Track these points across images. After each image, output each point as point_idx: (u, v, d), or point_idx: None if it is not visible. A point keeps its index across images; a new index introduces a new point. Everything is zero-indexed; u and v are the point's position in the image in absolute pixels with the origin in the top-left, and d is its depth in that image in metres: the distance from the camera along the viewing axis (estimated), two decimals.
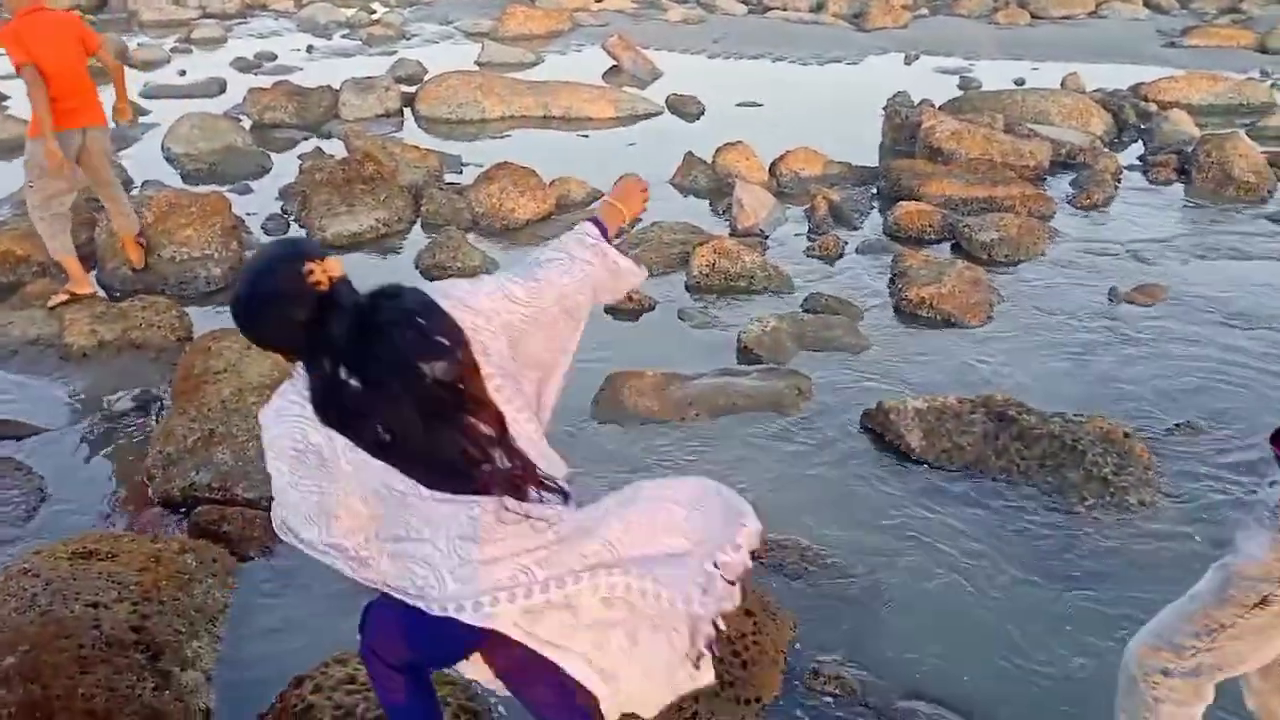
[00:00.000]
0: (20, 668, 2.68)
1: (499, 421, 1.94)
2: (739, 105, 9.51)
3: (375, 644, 2.12)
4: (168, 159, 7.65)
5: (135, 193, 6.75)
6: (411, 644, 2.06)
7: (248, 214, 6.50)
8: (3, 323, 4.92)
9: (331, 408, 1.86)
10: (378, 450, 1.87)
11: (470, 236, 6.23)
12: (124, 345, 4.78)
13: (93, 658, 2.73)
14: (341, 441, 1.86)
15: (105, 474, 3.92)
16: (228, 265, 5.62)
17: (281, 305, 1.85)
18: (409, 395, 1.85)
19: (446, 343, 1.89)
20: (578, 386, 4.57)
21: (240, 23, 13.24)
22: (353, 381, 1.84)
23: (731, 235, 6.28)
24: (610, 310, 5.37)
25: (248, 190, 7.10)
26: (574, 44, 12.30)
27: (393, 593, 1.96)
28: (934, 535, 3.55)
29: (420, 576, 1.90)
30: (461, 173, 7.55)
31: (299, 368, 1.92)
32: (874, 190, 7.23)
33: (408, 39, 12.44)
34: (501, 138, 8.64)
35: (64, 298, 5.16)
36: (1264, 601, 2.01)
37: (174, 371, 4.42)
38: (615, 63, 10.97)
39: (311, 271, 1.84)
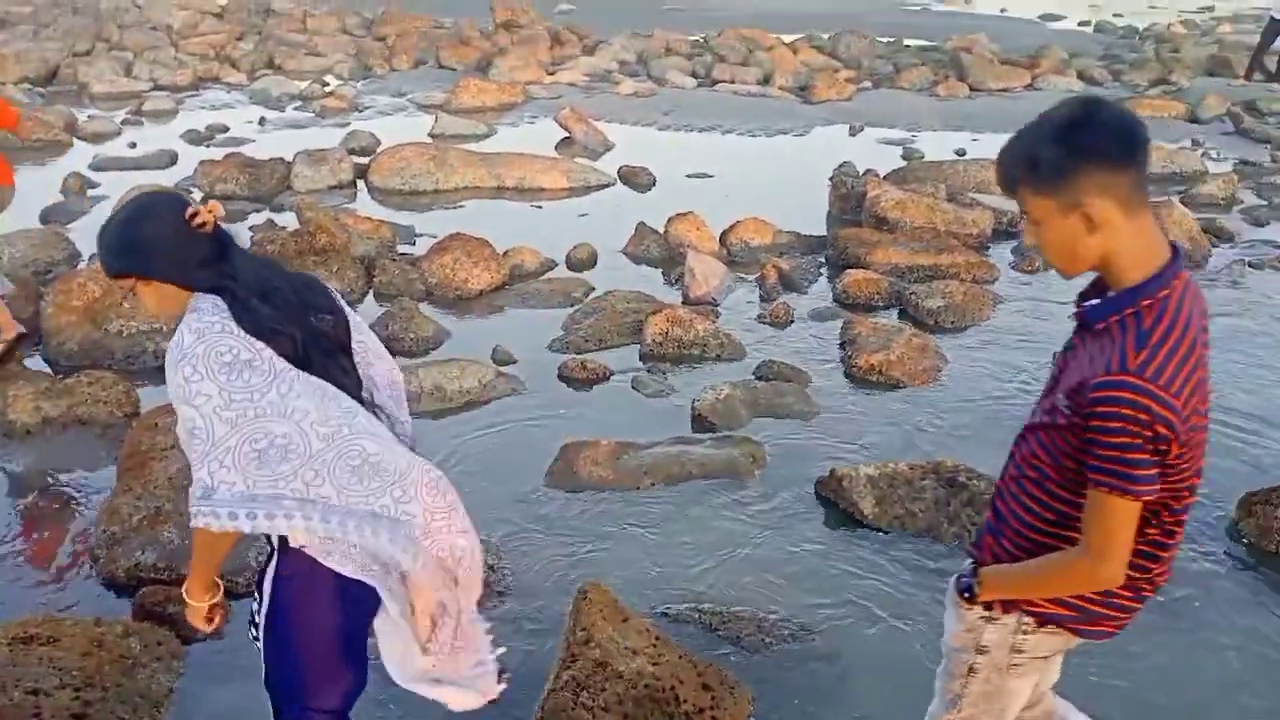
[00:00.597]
0: None
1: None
2: (689, 176, 9.67)
3: (313, 689, 2.22)
4: None
5: (82, 265, 6.69)
6: (347, 636, 2.22)
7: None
8: None
9: (251, 319, 2.01)
10: (296, 363, 2.04)
11: (423, 307, 6.23)
12: (69, 421, 4.70)
13: None
14: (268, 355, 2.00)
15: (46, 554, 3.82)
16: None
17: (178, 244, 2.02)
18: (306, 330, 2.10)
19: (330, 313, 2.21)
20: (531, 455, 4.60)
21: (192, 95, 13.24)
22: (264, 308, 2.05)
23: (684, 304, 6.35)
24: (565, 379, 5.39)
25: None
26: (527, 116, 12.46)
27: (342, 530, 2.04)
28: (890, 604, 3.57)
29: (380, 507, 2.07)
30: (415, 243, 7.58)
31: (196, 303, 2.03)
32: (822, 258, 7.37)
33: (361, 111, 12.53)
34: (455, 208, 8.70)
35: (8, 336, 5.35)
36: (971, 670, 2.14)
37: (120, 449, 4.35)
38: (567, 134, 11.12)
39: (197, 214, 2.04)
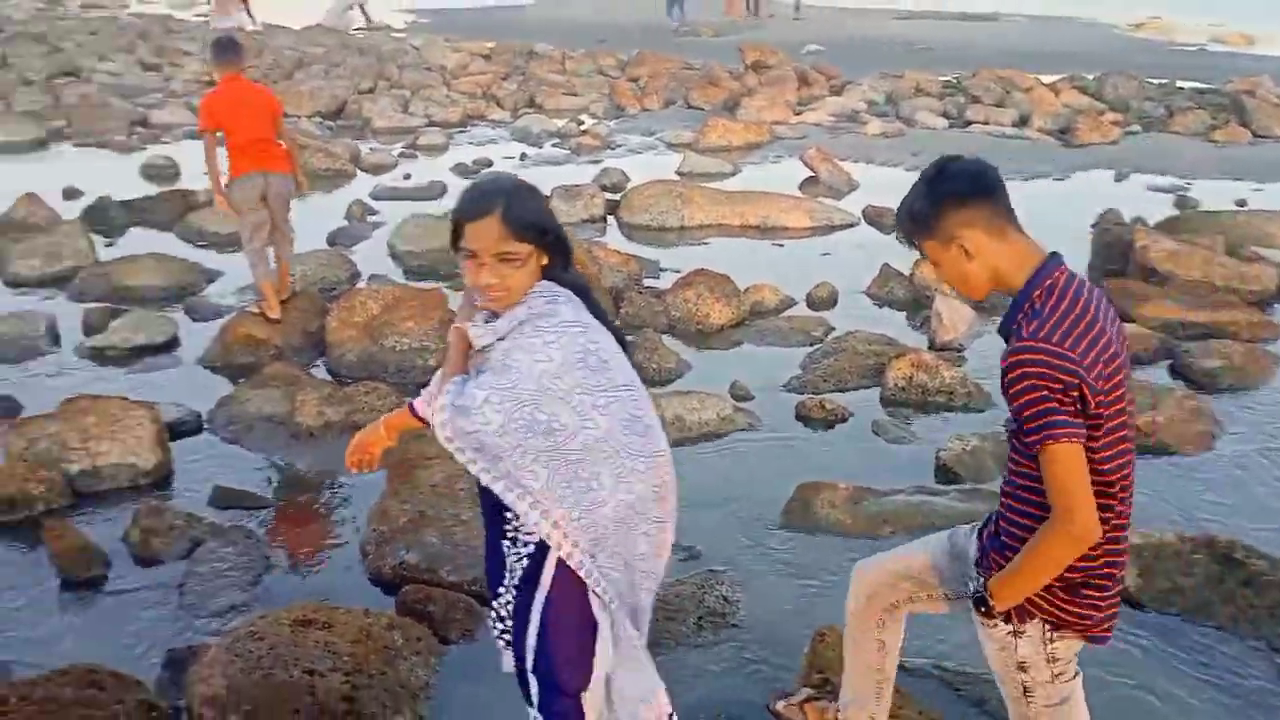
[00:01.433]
0: None
1: None
2: None
3: (563, 674, 2.32)
4: (392, 255, 8.24)
5: (361, 284, 7.30)
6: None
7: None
8: (242, 400, 5.37)
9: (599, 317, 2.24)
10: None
11: (666, 339, 6.39)
12: (347, 427, 5.12)
13: None
14: (625, 361, 2.23)
15: (325, 547, 4.18)
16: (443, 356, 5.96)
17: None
18: None
19: None
20: (767, 492, 4.60)
21: (461, 131, 14.21)
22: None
23: (930, 348, 6.19)
24: (802, 418, 5.38)
25: (462, 288, 7.54)
26: (772, 156, 12.56)
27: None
28: (1146, 683, 3.33)
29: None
30: (660, 277, 7.79)
31: (555, 293, 2.21)
32: None
33: (613, 149, 13.04)
34: (699, 244, 8.88)
35: (256, 311, 6.34)
36: (1027, 692, 2.29)
37: (392, 454, 4.70)
38: (812, 174, 11.12)
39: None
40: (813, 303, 7.21)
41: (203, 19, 27.45)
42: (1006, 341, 2.13)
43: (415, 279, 7.54)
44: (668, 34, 25.05)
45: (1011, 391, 2.05)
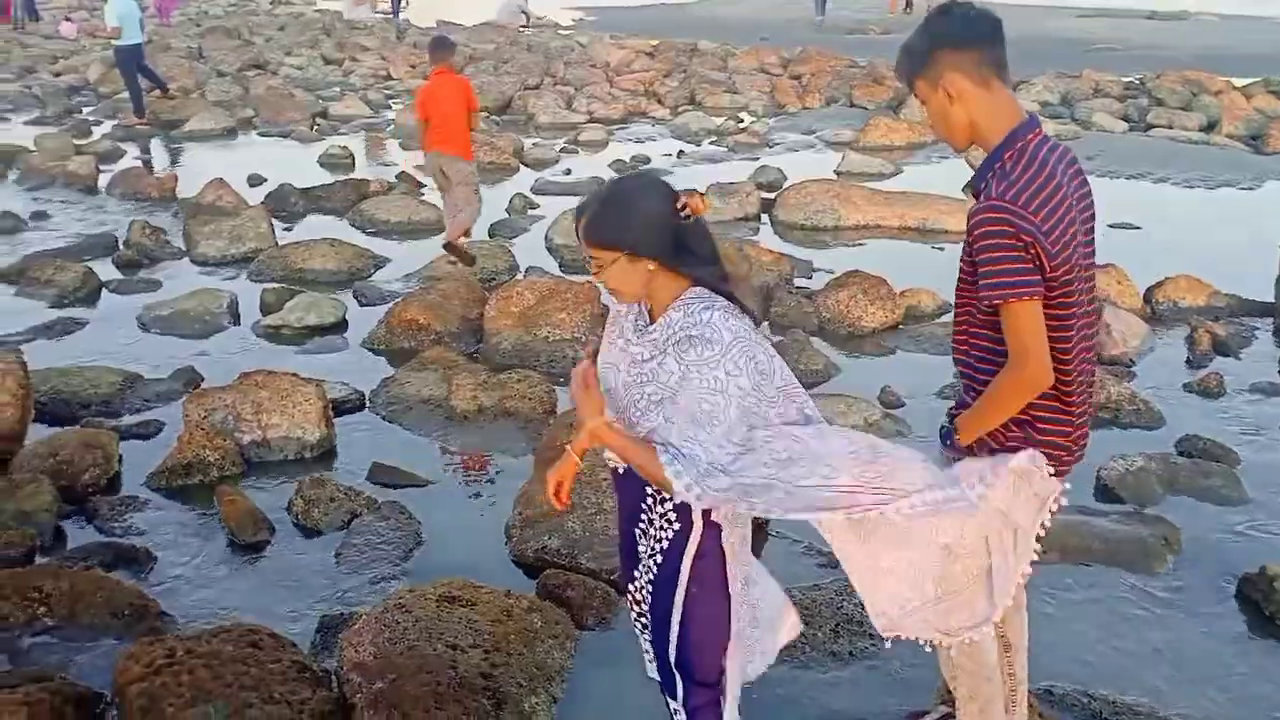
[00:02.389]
0: (387, 693, 2.99)
1: None
2: (1111, 226, 8.97)
3: (705, 664, 2.34)
4: (549, 249, 8.42)
5: (520, 276, 7.49)
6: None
7: (605, 305, 6.98)
8: (402, 382, 5.59)
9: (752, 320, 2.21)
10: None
11: (815, 340, 6.31)
12: (499, 413, 5.27)
13: (446, 695, 3.00)
14: (779, 361, 2.20)
15: (472, 527, 4.32)
16: (593, 348, 6.04)
17: (656, 225, 2.14)
18: None
19: None
20: None
21: (621, 128, 14.40)
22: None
23: (1097, 361, 5.90)
24: None
25: None
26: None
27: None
28: None
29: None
30: (812, 278, 7.69)
31: (712, 302, 2.17)
32: (1269, 327, 6.53)
33: (770, 147, 12.95)
34: (854, 246, 8.72)
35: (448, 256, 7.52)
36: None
37: (539, 440, 4.82)
38: None
39: (685, 205, 2.14)
40: None
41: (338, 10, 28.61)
42: (977, 199, 2.26)
43: (570, 272, 7.68)
44: (833, 31, 24.69)
45: (978, 247, 2.20)
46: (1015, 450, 2.33)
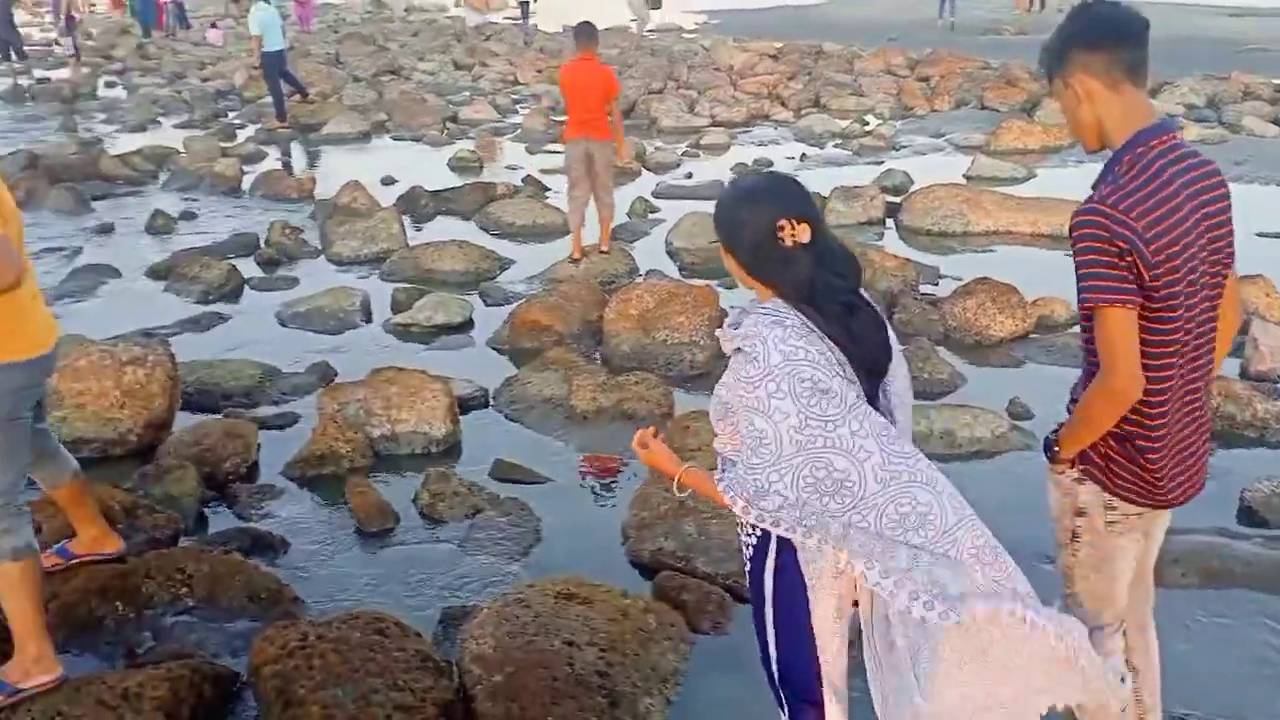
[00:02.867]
0: (505, 686, 3.06)
1: None
2: (1259, 235, 8.52)
3: (794, 681, 2.27)
4: (669, 252, 8.45)
5: (640, 278, 7.54)
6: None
7: (731, 307, 6.95)
8: (525, 381, 5.70)
9: (837, 339, 2.08)
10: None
11: (940, 349, 6.16)
12: (617, 414, 5.32)
13: (563, 691, 3.04)
14: (846, 396, 2.04)
15: (589, 526, 4.37)
16: (710, 352, 6.07)
17: (746, 236, 2.15)
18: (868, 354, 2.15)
19: (885, 343, 2.22)
20: (1039, 522, 4.31)
21: (744, 131, 14.35)
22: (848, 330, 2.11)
23: (1242, 377, 5.61)
24: None
25: (734, 287, 7.63)
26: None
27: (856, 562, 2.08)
28: None
29: (904, 559, 2.04)
30: (938, 284, 7.52)
31: (783, 317, 2.08)
32: None
33: (897, 150, 12.72)
34: (983, 252, 8.49)
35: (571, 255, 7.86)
36: (1074, 537, 2.43)
37: None
38: None
39: (782, 228, 2.09)
40: None
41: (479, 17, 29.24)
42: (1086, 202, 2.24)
43: (689, 276, 7.70)
44: (963, 32, 24.10)
45: (1075, 249, 2.18)
46: (1107, 469, 2.30)
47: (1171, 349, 2.19)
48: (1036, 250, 8.49)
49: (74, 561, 3.72)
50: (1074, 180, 10.69)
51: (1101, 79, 2.20)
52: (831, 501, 2.03)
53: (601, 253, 7.99)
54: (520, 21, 27.77)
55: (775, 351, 2.03)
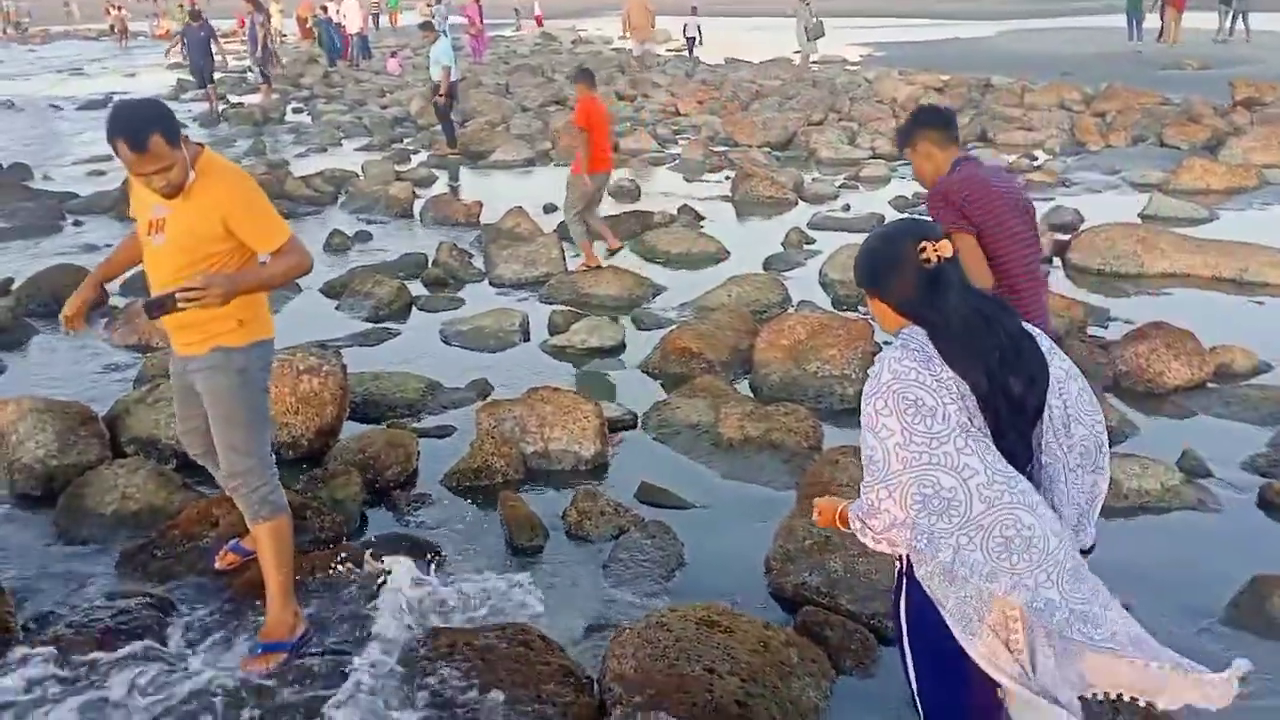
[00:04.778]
0: (646, 708, 3.08)
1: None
2: None
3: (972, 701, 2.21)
4: (823, 284, 8.39)
5: (792, 309, 7.50)
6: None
7: (883, 343, 6.85)
8: (673, 406, 5.76)
9: (950, 360, 2.10)
10: (993, 418, 2.11)
11: (1109, 397, 5.90)
12: (764, 444, 5.31)
13: (702, 718, 3.05)
14: (956, 418, 2.06)
15: (733, 555, 4.37)
16: (861, 386, 5.97)
17: (894, 269, 2.20)
18: (998, 386, 2.11)
19: (1031, 381, 2.16)
20: (1211, 581, 4.08)
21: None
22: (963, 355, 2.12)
23: None
24: (1267, 504, 4.72)
25: None
26: (1258, 202, 11.11)
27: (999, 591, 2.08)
28: None
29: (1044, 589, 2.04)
30: (1107, 327, 7.20)
31: (904, 338, 2.17)
32: None
33: (1068, 187, 12.26)
34: (1158, 295, 8.08)
35: (583, 267, 8.51)
36: None
37: (802, 475, 4.81)
38: None
39: (924, 249, 2.15)
40: None
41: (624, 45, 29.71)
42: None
43: (842, 308, 7.62)
44: (1142, 66, 23.07)
45: (930, 207, 3.59)
46: None
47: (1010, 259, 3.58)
48: (1216, 295, 8.02)
49: (249, 558, 3.97)
50: (1260, 223, 10.08)
51: (939, 145, 3.72)
52: (940, 522, 2.04)
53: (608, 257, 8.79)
54: (685, 53, 28.15)
55: (887, 371, 2.10)
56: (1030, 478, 2.16)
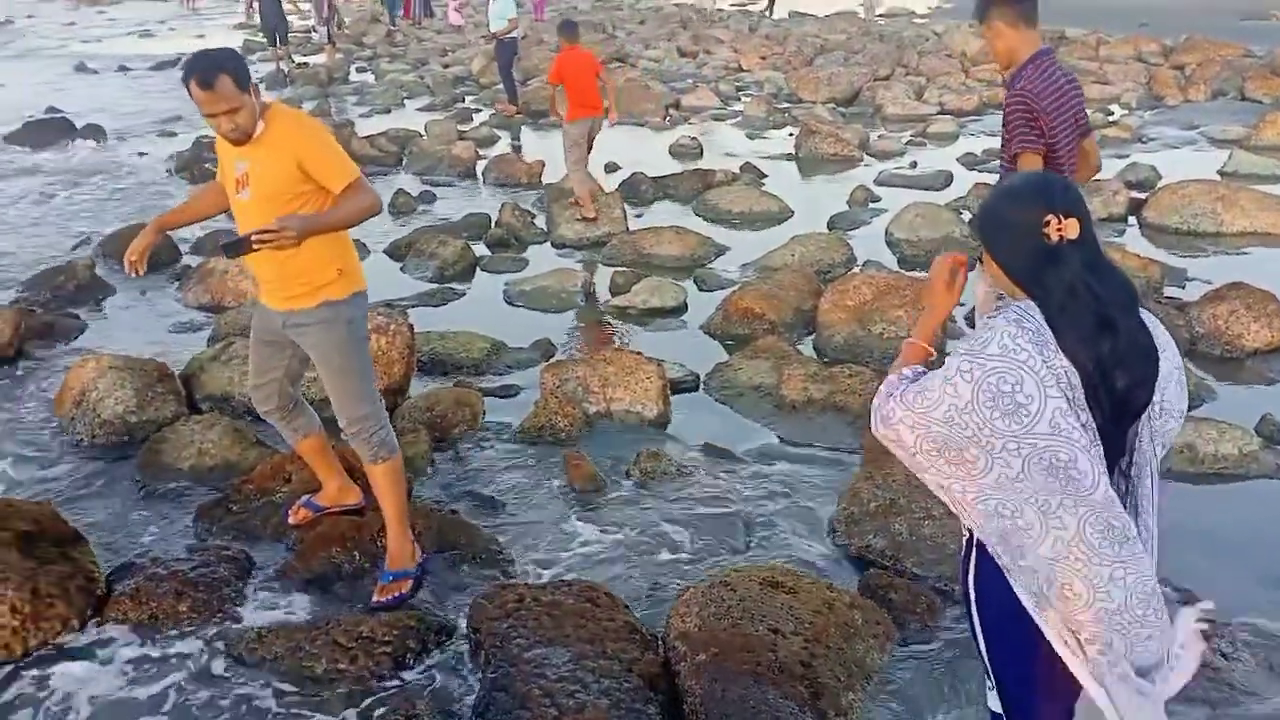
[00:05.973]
0: (710, 666, 3.11)
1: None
2: None
3: (1021, 695, 2.13)
4: (889, 243, 8.26)
5: (857, 269, 7.41)
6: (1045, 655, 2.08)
7: (997, 305, 6.72)
8: (736, 367, 5.74)
9: (1059, 339, 1.96)
10: (1098, 412, 1.97)
11: (1186, 360, 5.73)
12: (828, 405, 5.27)
13: (766, 677, 3.06)
14: (1052, 406, 1.94)
15: (797, 516, 4.36)
16: None
17: (1011, 234, 2.04)
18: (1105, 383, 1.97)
19: (1139, 384, 2.01)
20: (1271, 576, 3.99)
21: (974, 120, 13.80)
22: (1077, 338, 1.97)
23: None
24: None
25: None
26: None
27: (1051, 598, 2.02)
28: None
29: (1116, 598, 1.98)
30: (1184, 288, 7.01)
31: (1020, 312, 2.00)
32: None
33: (1144, 142, 11.89)
34: (1238, 254, 7.83)
35: (577, 214, 8.78)
36: None
37: (867, 436, 4.77)
38: None
39: (1049, 223, 1.97)
40: None
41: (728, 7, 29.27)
42: (1009, 89, 3.84)
43: (909, 268, 7.50)
44: (1224, 17, 22.18)
45: (1007, 116, 3.83)
46: None
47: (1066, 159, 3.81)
48: None
49: (322, 514, 4.06)
50: None
51: (1011, 24, 3.80)
52: (947, 468, 2.02)
53: (585, 220, 8.79)
54: (765, 9, 27.69)
55: (995, 344, 1.97)
56: (1122, 473, 2.06)
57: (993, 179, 9.54)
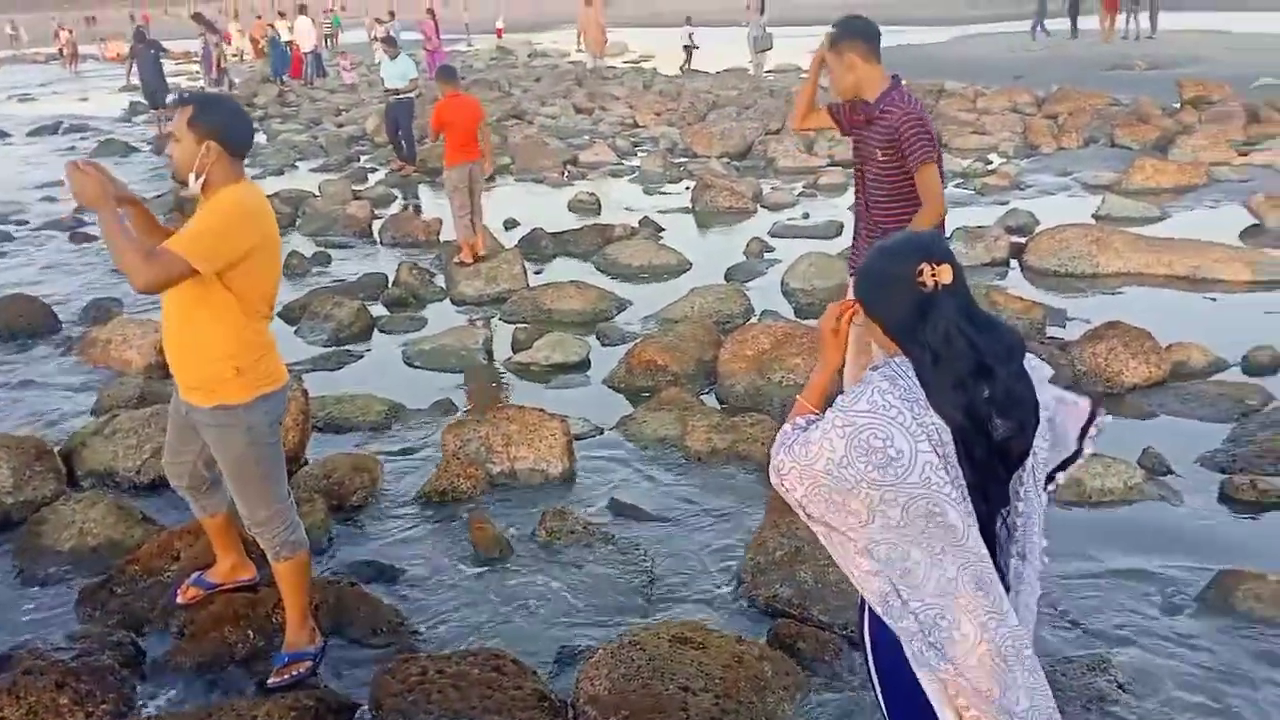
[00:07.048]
0: None
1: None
2: None
3: None
4: (785, 293, 8.42)
5: (755, 319, 7.52)
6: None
7: (873, 368, 6.87)
8: (640, 420, 5.75)
9: (929, 394, 2.01)
10: (969, 465, 2.01)
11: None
12: (732, 455, 5.31)
13: None
14: (923, 460, 1.97)
15: (704, 569, 4.35)
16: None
17: (888, 289, 2.08)
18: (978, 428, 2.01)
19: (1020, 428, 2.05)
20: (1176, 578, 4.14)
21: None
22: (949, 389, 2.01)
23: None
24: (1228, 498, 4.80)
25: None
26: (1208, 200, 11.31)
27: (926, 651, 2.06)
28: None
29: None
30: (1065, 327, 7.29)
31: (889, 367, 2.06)
32: None
33: (1022, 189, 12.41)
34: (1113, 294, 8.20)
35: (458, 260, 9.01)
36: None
37: (770, 488, 4.80)
38: (1257, 221, 9.87)
39: (922, 272, 2.02)
40: (1250, 367, 6.39)
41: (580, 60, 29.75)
42: (871, 116, 4.16)
43: (805, 317, 7.64)
44: (1092, 69, 23.43)
45: (908, 133, 4.00)
46: None
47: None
48: (1171, 293, 8.15)
49: (214, 591, 3.90)
50: (1211, 220, 10.26)
51: (862, 57, 4.09)
52: (836, 518, 2.06)
53: (480, 258, 9.04)
54: (684, 64, 28.25)
55: (865, 400, 2.01)
56: (1005, 523, 2.12)
57: None
